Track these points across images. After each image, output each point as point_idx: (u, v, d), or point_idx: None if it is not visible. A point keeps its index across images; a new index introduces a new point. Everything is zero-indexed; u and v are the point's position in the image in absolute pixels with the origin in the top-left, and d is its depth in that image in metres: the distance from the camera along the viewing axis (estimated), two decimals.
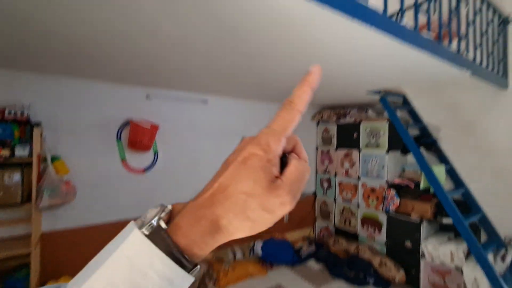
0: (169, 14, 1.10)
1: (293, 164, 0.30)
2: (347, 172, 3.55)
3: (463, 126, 2.92)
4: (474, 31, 2.08)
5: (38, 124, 2.08)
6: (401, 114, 3.42)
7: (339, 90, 2.79)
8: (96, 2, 1.02)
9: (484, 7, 2.24)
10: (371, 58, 1.68)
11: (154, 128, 2.53)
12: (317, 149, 4.03)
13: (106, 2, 1.03)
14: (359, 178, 3.39)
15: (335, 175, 3.70)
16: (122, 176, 2.54)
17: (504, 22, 2.60)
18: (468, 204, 2.84)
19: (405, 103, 3.40)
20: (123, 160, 2.50)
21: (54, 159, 2.13)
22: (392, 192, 3.05)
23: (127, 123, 2.49)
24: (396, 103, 3.38)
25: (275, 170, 0.29)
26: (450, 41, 1.79)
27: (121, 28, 1.26)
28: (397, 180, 3.06)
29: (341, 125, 3.68)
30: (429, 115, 3.19)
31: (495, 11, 2.38)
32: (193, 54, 1.63)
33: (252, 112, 3.37)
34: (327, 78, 2.26)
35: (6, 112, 1.97)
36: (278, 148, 0.30)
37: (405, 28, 1.41)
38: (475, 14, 2.09)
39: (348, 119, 3.56)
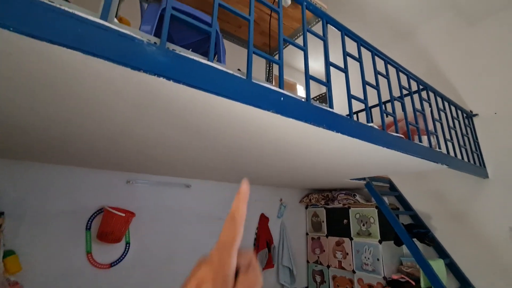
0: (140, 120, 1.14)
1: (246, 278, 0.32)
2: (340, 263, 3.23)
3: (453, 215, 2.83)
4: (442, 126, 2.22)
5: None
6: (390, 200, 3.37)
7: (322, 178, 2.78)
8: (71, 108, 1.06)
9: (447, 105, 2.47)
10: (346, 155, 1.72)
11: (130, 216, 2.37)
12: (307, 235, 3.78)
13: (82, 110, 1.07)
14: (354, 271, 3.06)
15: (328, 266, 3.36)
16: (85, 272, 2.24)
17: (468, 117, 2.83)
18: None
19: (392, 189, 3.39)
20: (89, 253, 2.25)
21: (7, 254, 1.90)
22: None
23: (100, 211, 2.35)
24: (383, 188, 3.36)
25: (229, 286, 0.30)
26: (419, 138, 1.87)
27: (98, 130, 1.30)
28: (395, 276, 2.76)
29: (330, 209, 3.56)
30: (418, 202, 3.13)
31: (457, 108, 2.61)
32: (170, 149, 1.64)
33: (235, 193, 3.27)
34: (308, 170, 2.27)
35: None
36: (231, 262, 0.31)
37: (374, 129, 1.48)
38: (439, 111, 2.27)
39: (337, 204, 3.47)
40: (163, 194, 2.77)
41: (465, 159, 2.39)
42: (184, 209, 2.87)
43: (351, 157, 1.76)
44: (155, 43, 0.81)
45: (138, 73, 0.77)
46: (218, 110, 1.02)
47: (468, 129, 2.73)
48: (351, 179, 2.85)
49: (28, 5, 0.62)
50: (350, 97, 1.43)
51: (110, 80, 0.82)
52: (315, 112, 1.17)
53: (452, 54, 3.18)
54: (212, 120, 1.13)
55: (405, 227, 2.81)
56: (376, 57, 1.75)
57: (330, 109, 1.25)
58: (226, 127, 1.21)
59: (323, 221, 3.60)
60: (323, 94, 2.31)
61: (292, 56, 4.33)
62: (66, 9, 0.65)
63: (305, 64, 1.25)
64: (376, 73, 1.67)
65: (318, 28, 1.56)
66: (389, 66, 1.85)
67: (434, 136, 2.10)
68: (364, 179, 3.02)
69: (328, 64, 1.37)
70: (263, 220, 3.39)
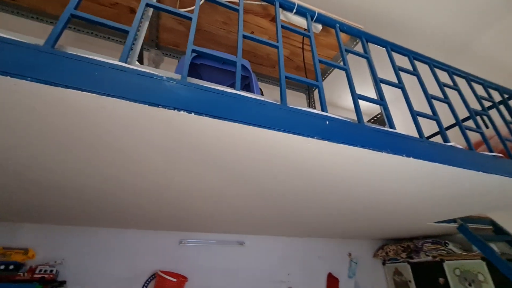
0: (174, 163, 1.06)
1: None
2: None
3: None
4: None
5: (61, 284, 1.97)
6: (499, 247, 2.56)
7: (396, 222, 2.28)
8: (116, 166, 1.05)
9: None
10: (422, 188, 1.36)
11: (182, 281, 2.20)
12: None
13: (119, 163, 1.05)
14: None
15: None
16: None
17: None
18: None
19: (499, 231, 2.60)
20: None
21: None
22: None
23: (154, 276, 2.24)
24: (484, 232, 2.60)
25: None
26: None
27: (139, 183, 1.27)
28: None
29: (416, 264, 2.84)
30: None
31: None
32: (213, 199, 1.52)
33: (295, 249, 2.88)
34: (376, 211, 1.88)
35: (37, 270, 1.94)
36: None
37: (458, 149, 1.15)
38: None
39: (424, 256, 2.76)
40: (216, 254, 2.58)
41: None
42: (239, 269, 2.59)
43: (428, 189, 1.38)
44: (176, 79, 0.76)
45: (160, 109, 0.70)
46: (252, 142, 0.88)
47: None
48: (436, 222, 2.27)
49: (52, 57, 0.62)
50: (414, 114, 1.16)
51: (134, 121, 0.77)
52: (371, 134, 0.95)
53: None
54: (247, 156, 0.99)
55: None
56: (437, 70, 1.49)
57: (391, 130, 1.01)
58: (264, 162, 1.05)
59: (410, 281, 2.85)
60: (378, 116, 2.03)
61: (337, 94, 4.17)
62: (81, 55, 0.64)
63: (349, 83, 1.08)
64: (441, 85, 1.40)
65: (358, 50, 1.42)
66: (456, 78, 1.56)
67: None
68: (454, 221, 2.39)
69: (377, 81, 1.17)
70: (332, 281, 2.84)
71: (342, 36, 1.50)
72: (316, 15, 1.21)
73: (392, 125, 1.06)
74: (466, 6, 2.73)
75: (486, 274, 2.26)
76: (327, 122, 0.89)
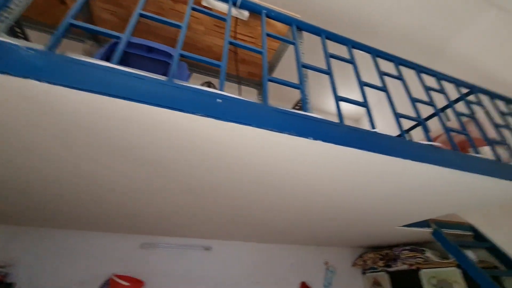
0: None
1: None
2: None
3: None
4: None
5: (9, 286, 1.91)
6: (480, 255, 2.40)
7: (369, 227, 2.16)
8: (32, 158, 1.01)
9: None
10: (383, 185, 1.27)
11: (137, 285, 2.11)
12: None
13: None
14: None
15: None
16: None
17: None
18: None
19: (480, 238, 2.44)
20: None
21: None
22: None
23: (108, 282, 2.15)
24: (463, 238, 2.45)
25: None
26: (475, 150, 1.32)
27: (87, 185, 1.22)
28: None
29: (394, 273, 2.68)
30: None
31: None
32: (151, 199, 1.46)
33: (266, 256, 2.76)
34: (346, 215, 1.79)
35: None
36: None
37: (412, 143, 1.08)
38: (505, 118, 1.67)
39: (401, 265, 2.60)
40: (180, 259, 2.48)
41: None
42: (204, 276, 2.48)
43: (367, 182, 1.29)
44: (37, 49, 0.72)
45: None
46: (136, 120, 0.83)
47: None
48: (405, 226, 2.15)
49: None
50: (337, 99, 1.10)
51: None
52: (272, 114, 0.89)
53: (508, 53, 2.57)
54: (141, 137, 0.94)
55: None
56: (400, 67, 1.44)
57: (299, 112, 0.95)
58: (167, 146, 0.99)
59: None
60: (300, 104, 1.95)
61: (322, 101, 4.11)
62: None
63: (263, 67, 1.03)
64: (381, 74, 1.34)
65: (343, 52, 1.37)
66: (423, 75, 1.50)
67: (505, 147, 1.48)
68: (428, 225, 2.26)
69: (299, 66, 1.13)
70: None
71: (281, 25, 1.47)
72: (239, 0, 1.18)
73: (305, 109, 1.00)
74: (440, 7, 2.70)
75: (461, 282, 2.10)
76: (218, 100, 0.84)
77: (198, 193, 1.38)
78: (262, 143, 0.92)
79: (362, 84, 1.23)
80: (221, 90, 0.89)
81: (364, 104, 1.16)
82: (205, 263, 2.54)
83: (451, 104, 1.50)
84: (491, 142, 1.41)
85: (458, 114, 1.44)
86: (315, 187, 1.30)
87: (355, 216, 1.87)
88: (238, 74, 1.73)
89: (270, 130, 0.86)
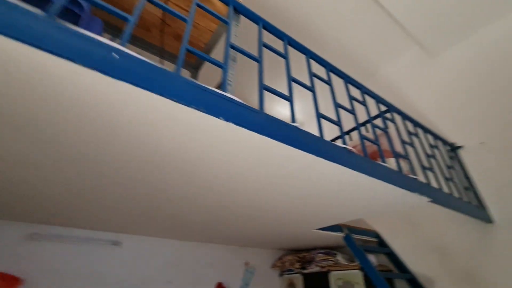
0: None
1: None
2: None
3: (462, 277, 2.13)
4: (417, 153, 1.79)
5: None
6: (381, 260, 2.67)
7: (284, 229, 2.20)
8: None
9: (421, 132, 2.09)
10: (301, 183, 1.26)
11: (11, 285, 1.72)
12: None
13: None
14: None
15: None
16: None
17: (453, 149, 2.43)
18: None
19: (382, 244, 2.72)
20: None
21: None
22: None
23: None
24: (369, 244, 2.70)
25: None
26: (383, 159, 1.43)
27: None
28: None
29: (307, 275, 2.80)
30: (416, 262, 2.43)
31: (436, 137, 2.22)
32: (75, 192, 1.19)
33: (183, 254, 2.59)
34: (258, 215, 1.75)
35: None
36: None
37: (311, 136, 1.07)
38: (411, 137, 1.88)
39: (314, 267, 2.73)
40: (80, 254, 2.14)
41: (456, 194, 1.88)
42: (108, 274, 2.19)
43: (284, 177, 1.28)
44: None
45: None
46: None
47: (456, 162, 2.29)
48: (321, 230, 2.25)
49: None
50: (262, 88, 1.06)
51: None
52: (179, 84, 0.78)
53: (423, 90, 2.97)
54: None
55: None
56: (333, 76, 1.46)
57: (211, 88, 0.86)
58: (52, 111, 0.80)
59: None
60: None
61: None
62: None
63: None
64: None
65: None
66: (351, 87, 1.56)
67: (407, 162, 1.65)
68: (341, 230, 2.42)
69: (289, 79, 1.05)
70: None
71: (220, 5, 1.39)
72: None
73: (224, 89, 0.92)
74: (376, 33, 2.97)
75: (362, 284, 2.29)
76: (114, 54, 0.69)
77: (94, 173, 1.17)
78: (165, 115, 0.80)
79: (291, 79, 1.22)
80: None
81: (288, 98, 1.14)
82: (111, 259, 2.24)
83: (370, 119, 1.62)
84: (396, 155, 1.55)
85: (374, 126, 1.55)
86: (230, 178, 1.23)
87: (274, 216, 1.87)
88: (163, 47, 1.57)
89: (174, 100, 0.75)
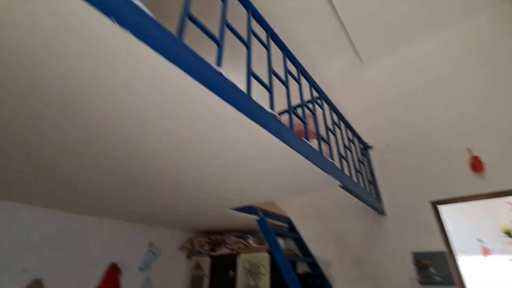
0: None
1: None
2: None
3: (353, 261, 2.35)
4: (337, 141, 1.85)
5: None
6: (289, 245, 2.76)
7: (200, 204, 2.02)
8: None
9: (343, 126, 2.19)
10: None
11: None
12: None
13: None
14: None
15: None
16: None
17: (365, 148, 2.66)
18: None
19: (292, 230, 2.83)
20: None
21: None
22: None
23: None
24: (281, 228, 2.76)
25: None
26: (307, 137, 1.39)
27: None
28: None
29: (216, 257, 2.70)
30: (318, 247, 2.59)
31: (353, 133, 2.38)
32: None
33: (69, 229, 2.15)
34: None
35: None
36: None
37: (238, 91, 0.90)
38: (334, 126, 1.94)
39: (224, 250, 2.65)
40: None
41: (362, 186, 2.04)
42: None
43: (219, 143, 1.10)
44: None
45: None
46: None
47: (365, 159, 2.52)
48: (236, 210, 2.16)
49: None
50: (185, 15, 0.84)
51: None
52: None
53: (351, 93, 3.20)
54: None
55: (300, 277, 2.17)
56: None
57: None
58: None
59: (205, 275, 2.67)
60: None
61: None
62: None
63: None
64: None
65: None
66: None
67: (327, 147, 1.68)
68: (256, 212, 2.38)
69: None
70: (112, 273, 2.26)
71: None
72: None
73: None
74: (320, 32, 3.03)
75: (267, 266, 2.31)
76: None
77: None
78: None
79: (224, 22, 1.03)
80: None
81: (217, 41, 0.95)
82: None
83: (302, 100, 1.57)
84: (320, 137, 1.55)
85: (304, 105, 1.51)
86: (132, 123, 0.97)
87: (185, 190, 1.67)
88: None
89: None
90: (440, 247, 1.99)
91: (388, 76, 2.94)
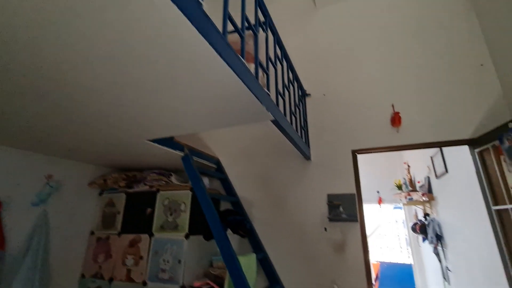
0: None
1: None
2: (128, 274, 2.15)
3: (275, 202, 2.43)
4: (276, 75, 1.69)
5: None
6: (215, 185, 2.69)
7: (114, 132, 1.68)
8: None
9: (286, 65, 2.03)
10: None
11: None
12: (92, 234, 2.47)
13: None
14: (145, 283, 2.07)
15: (111, 280, 2.20)
16: None
17: (303, 95, 2.61)
18: None
19: (220, 170, 2.75)
20: None
21: None
22: None
23: None
24: (207, 168, 2.64)
25: None
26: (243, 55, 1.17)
27: None
28: (197, 283, 1.98)
29: (133, 194, 2.46)
30: (244, 188, 2.59)
31: (294, 75, 2.26)
32: None
33: None
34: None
35: None
36: None
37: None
38: (276, 60, 1.75)
39: (143, 187, 2.42)
40: None
41: (294, 128, 2.00)
42: None
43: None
44: None
45: None
46: None
47: (301, 104, 2.48)
48: (156, 143, 1.90)
49: None
50: None
51: None
52: None
53: (297, 35, 3.01)
54: None
55: (220, 213, 2.13)
56: None
57: None
58: None
59: (118, 212, 2.43)
60: None
61: None
62: None
63: None
64: None
65: None
66: None
67: (264, 75, 1.51)
68: (181, 149, 2.16)
69: None
70: None
71: None
72: None
73: None
74: None
75: (188, 204, 2.20)
76: None
77: None
78: None
79: None
80: None
81: None
82: None
83: (244, 12, 1.30)
84: (258, 63, 1.35)
85: (244, 16, 1.25)
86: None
87: (95, 113, 1.31)
88: None
89: None
90: (352, 190, 2.19)
91: (336, 24, 2.84)
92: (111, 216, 2.44)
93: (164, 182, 2.36)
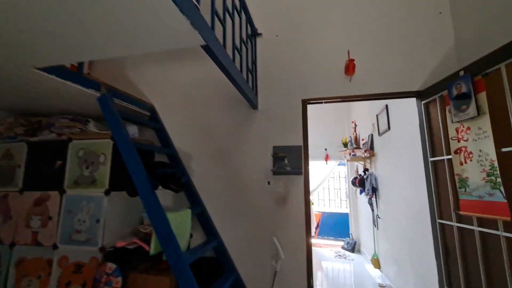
0: None
1: None
2: (35, 237, 1.79)
3: (216, 153, 2.20)
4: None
5: None
6: (149, 136, 2.32)
7: None
8: None
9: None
10: None
11: None
12: None
13: None
14: (56, 246, 1.75)
15: (12, 245, 1.82)
16: None
17: (253, 34, 2.24)
18: (220, 262, 2.00)
19: (154, 119, 2.36)
20: None
21: None
22: (111, 266, 1.66)
23: None
24: (138, 115, 2.23)
25: None
26: None
27: None
28: (121, 243, 1.73)
29: (36, 144, 1.98)
30: (182, 139, 2.27)
31: (248, 17, 1.87)
32: None
33: None
34: None
35: None
36: None
37: None
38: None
39: (49, 135, 1.94)
40: None
41: (238, 68, 1.68)
42: None
43: None
44: None
45: None
46: None
47: (250, 44, 2.14)
48: (43, 70, 1.42)
49: None
50: None
51: None
52: None
53: None
54: None
55: (148, 166, 1.82)
56: None
57: None
58: None
59: (19, 166, 1.95)
60: None
61: None
62: None
63: None
64: None
65: None
66: None
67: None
68: (98, 87, 1.71)
69: None
70: None
71: None
72: None
73: None
74: None
75: (109, 155, 1.83)
76: None
77: None
78: None
79: None
80: None
81: None
82: None
83: None
84: None
85: None
86: None
87: None
88: None
89: None
90: (299, 142, 2.04)
91: None
92: (9, 170, 1.95)
93: (78, 130, 1.91)
